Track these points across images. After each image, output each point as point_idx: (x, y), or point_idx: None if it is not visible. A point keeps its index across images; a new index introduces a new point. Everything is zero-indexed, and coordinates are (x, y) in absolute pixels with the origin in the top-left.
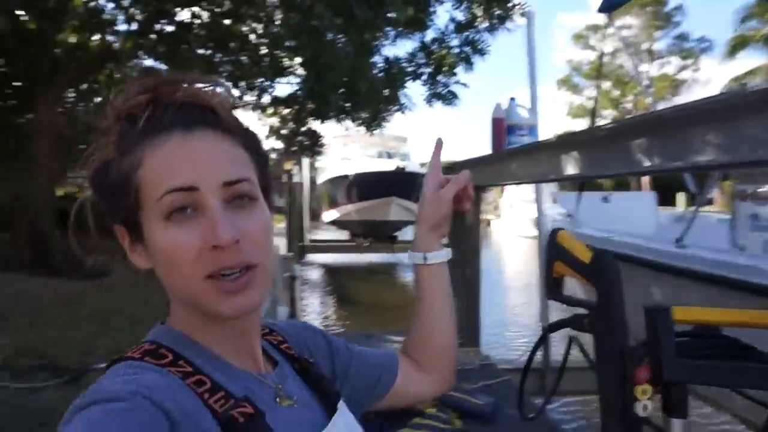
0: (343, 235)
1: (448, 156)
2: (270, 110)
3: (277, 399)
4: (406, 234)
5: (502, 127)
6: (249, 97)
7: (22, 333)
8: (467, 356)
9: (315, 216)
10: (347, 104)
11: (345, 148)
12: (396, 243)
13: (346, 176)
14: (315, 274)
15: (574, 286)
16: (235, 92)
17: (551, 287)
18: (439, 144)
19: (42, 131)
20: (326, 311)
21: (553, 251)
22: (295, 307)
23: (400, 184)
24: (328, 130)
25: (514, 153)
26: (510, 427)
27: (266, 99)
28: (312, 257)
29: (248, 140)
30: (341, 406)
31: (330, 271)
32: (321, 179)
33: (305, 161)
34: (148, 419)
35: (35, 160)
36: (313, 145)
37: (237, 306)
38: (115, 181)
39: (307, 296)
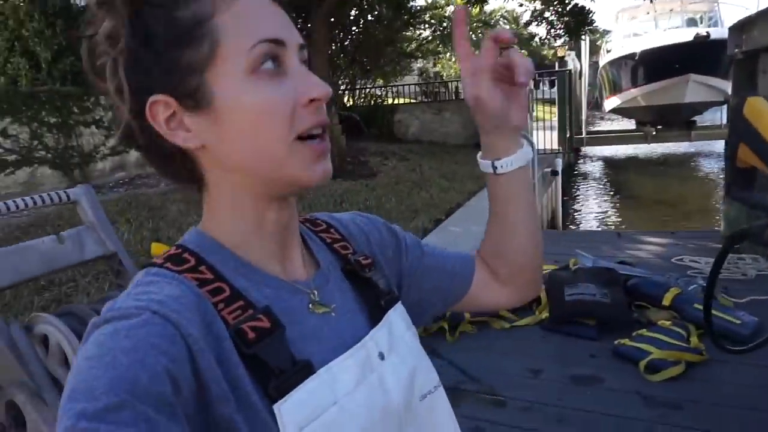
0: (629, 124)
1: None
2: None
3: (310, 306)
4: (714, 117)
5: None
6: None
7: None
8: (741, 264)
9: (597, 106)
10: None
11: (632, 23)
12: (695, 129)
13: (631, 56)
14: (593, 168)
15: None
16: None
17: (735, 180)
18: (459, 17)
19: (319, 48)
20: (600, 207)
21: (739, 129)
22: (555, 203)
23: (701, 56)
24: (610, 4)
25: None
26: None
27: None
28: (590, 150)
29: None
30: (390, 315)
31: (611, 164)
32: (603, 63)
33: (583, 45)
34: (156, 334)
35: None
36: (581, 25)
37: (325, 168)
38: (175, 31)
39: (581, 191)
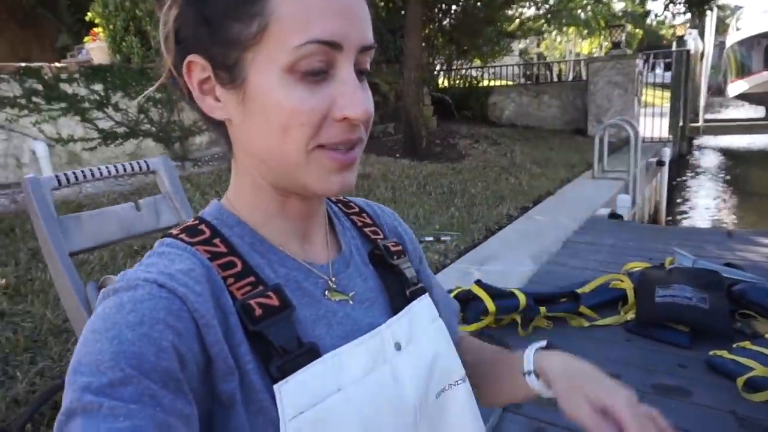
0: (755, 112)
1: None
2: None
3: (327, 292)
4: None
5: None
6: None
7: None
8: None
9: (719, 91)
10: None
11: None
12: None
13: (765, 34)
14: (709, 160)
15: None
16: None
17: None
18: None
19: (412, 27)
20: (713, 203)
21: None
22: (659, 196)
23: None
24: None
25: None
26: None
27: None
28: (707, 140)
29: None
30: (414, 305)
31: (730, 156)
32: (730, 42)
33: (708, 22)
34: (162, 308)
35: (408, 56)
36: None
37: (344, 182)
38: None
39: (692, 185)
